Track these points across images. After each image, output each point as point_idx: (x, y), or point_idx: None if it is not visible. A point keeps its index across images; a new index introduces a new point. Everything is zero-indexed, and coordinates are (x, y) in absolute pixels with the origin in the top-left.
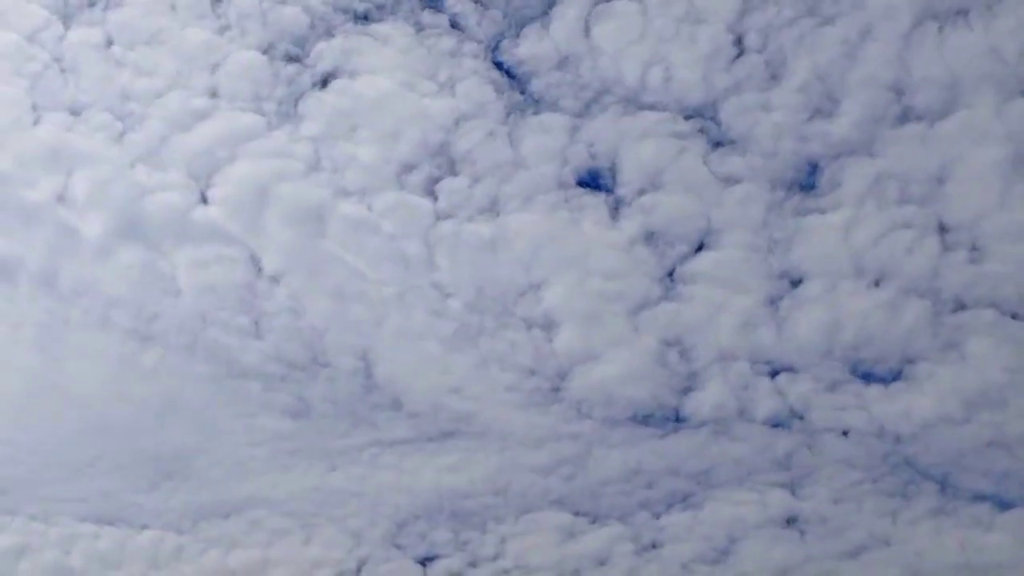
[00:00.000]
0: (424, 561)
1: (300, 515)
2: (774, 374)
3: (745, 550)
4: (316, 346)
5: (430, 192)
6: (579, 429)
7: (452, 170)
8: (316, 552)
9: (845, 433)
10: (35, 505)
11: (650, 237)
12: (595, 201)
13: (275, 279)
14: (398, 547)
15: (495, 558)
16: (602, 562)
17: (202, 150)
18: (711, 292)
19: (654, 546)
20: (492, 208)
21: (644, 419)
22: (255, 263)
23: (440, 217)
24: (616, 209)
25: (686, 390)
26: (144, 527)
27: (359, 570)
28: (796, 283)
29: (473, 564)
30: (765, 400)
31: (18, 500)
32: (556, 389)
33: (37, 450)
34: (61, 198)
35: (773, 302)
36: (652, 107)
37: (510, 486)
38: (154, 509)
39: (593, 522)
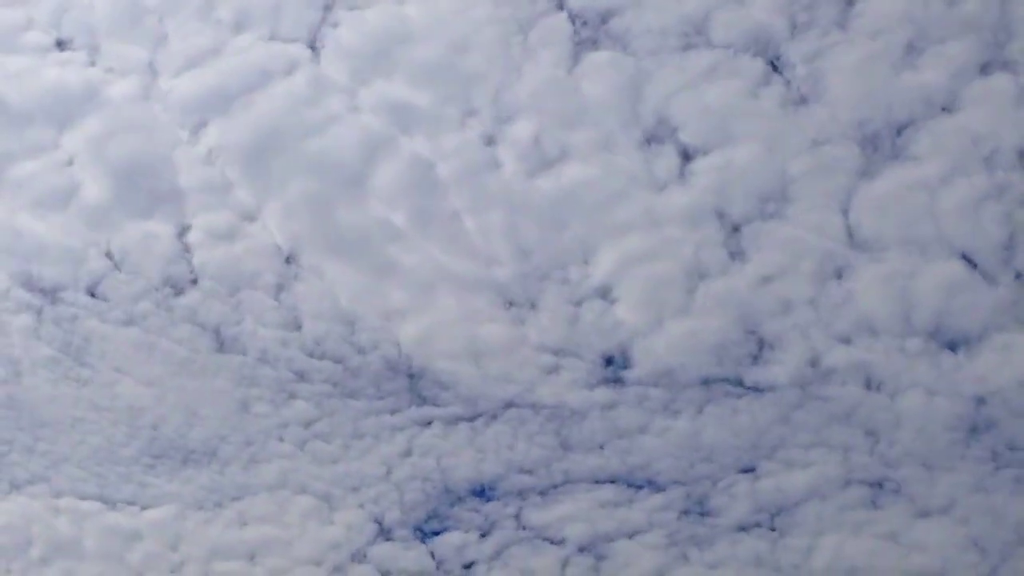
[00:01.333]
0: (443, 540)
1: (325, 496)
2: (847, 340)
3: (805, 517)
4: (350, 321)
5: (482, 141)
6: (638, 400)
7: (504, 118)
8: (337, 533)
9: (922, 398)
10: (47, 484)
11: (718, 195)
12: (660, 155)
13: (300, 253)
14: (420, 530)
15: (530, 536)
16: (648, 529)
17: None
18: (782, 255)
19: (707, 514)
20: (545, 163)
21: (709, 388)
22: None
23: (489, 170)
24: (682, 164)
25: (754, 358)
26: (162, 506)
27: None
28: (871, 248)
29: (503, 545)
30: (836, 367)
31: (31, 478)
32: (612, 360)
33: (55, 432)
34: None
35: (846, 267)
36: (724, 54)
37: (555, 462)
38: (174, 491)
39: (642, 492)
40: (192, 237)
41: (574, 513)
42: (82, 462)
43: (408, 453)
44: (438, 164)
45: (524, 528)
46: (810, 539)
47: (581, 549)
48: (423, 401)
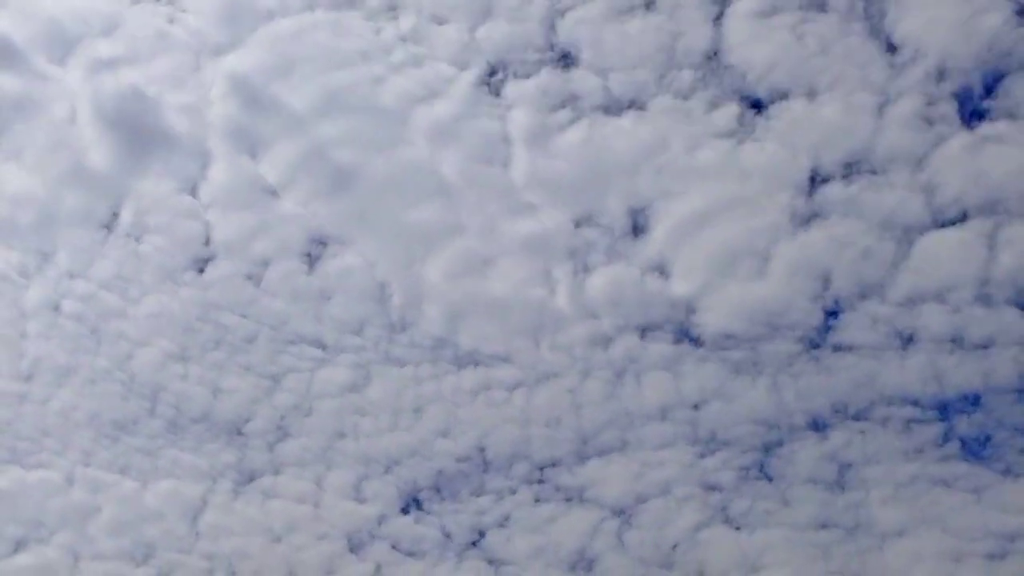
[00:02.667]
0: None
1: (356, 470)
2: (918, 305)
3: (873, 476)
4: (385, 291)
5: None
6: (703, 363)
7: (553, 62)
8: (366, 509)
9: (1009, 360)
10: (68, 457)
11: (789, 153)
12: (725, 105)
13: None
14: (445, 498)
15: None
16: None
17: None
18: (856, 220)
19: (768, 476)
20: (596, 112)
21: (778, 350)
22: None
23: (534, 123)
24: (751, 117)
25: (825, 325)
26: (180, 480)
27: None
28: (949, 214)
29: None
30: (911, 330)
31: (52, 452)
32: (676, 323)
33: (72, 404)
34: None
35: (921, 232)
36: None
37: (606, 428)
38: (197, 465)
39: (703, 456)
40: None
41: (621, 475)
42: (99, 434)
43: (448, 424)
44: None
45: (559, 490)
46: (880, 496)
47: (617, 512)
48: (469, 365)
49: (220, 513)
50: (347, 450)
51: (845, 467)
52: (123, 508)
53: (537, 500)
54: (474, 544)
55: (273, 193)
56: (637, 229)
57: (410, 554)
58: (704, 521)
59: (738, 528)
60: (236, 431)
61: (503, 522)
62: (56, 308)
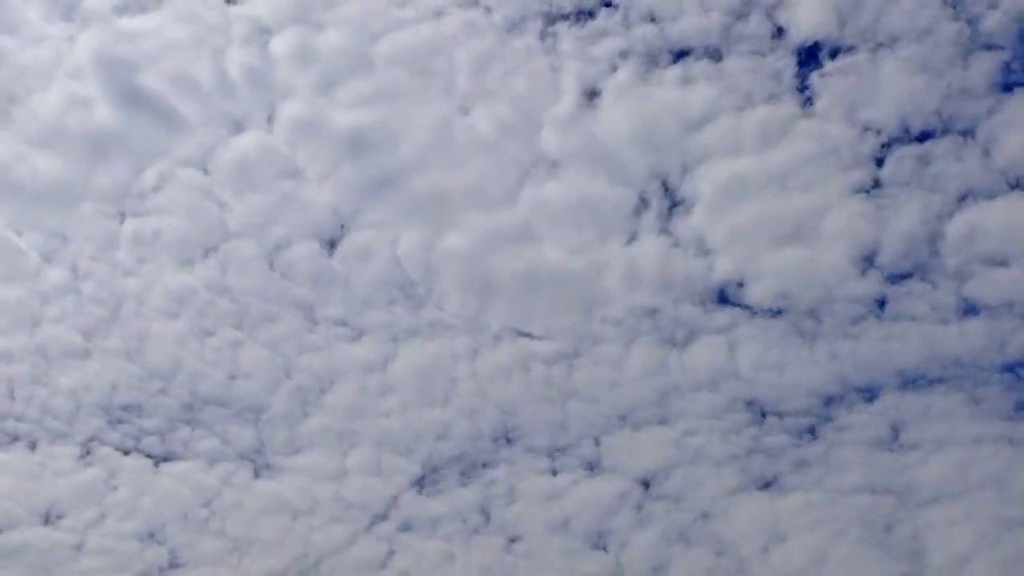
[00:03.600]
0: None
1: (377, 449)
2: (976, 273)
3: (923, 440)
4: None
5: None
6: (755, 332)
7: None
8: (385, 488)
9: None
10: (84, 436)
11: (849, 115)
12: (778, 55)
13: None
14: (467, 475)
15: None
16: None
17: None
18: (915, 187)
19: (815, 442)
20: (646, 70)
21: (831, 320)
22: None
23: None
24: (807, 74)
25: (881, 294)
26: (194, 460)
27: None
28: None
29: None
30: (968, 297)
31: (68, 431)
32: (726, 292)
33: (85, 384)
34: None
35: (979, 198)
36: None
37: (652, 400)
38: (214, 446)
39: (747, 425)
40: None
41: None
42: (115, 415)
43: (476, 401)
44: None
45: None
46: (928, 460)
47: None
48: (503, 340)
49: (236, 493)
50: (368, 429)
51: (895, 432)
52: (138, 487)
53: (557, 473)
54: (492, 519)
55: (293, 170)
56: (686, 195)
57: (429, 532)
58: (736, 488)
59: (772, 494)
60: (255, 412)
61: (523, 497)
62: (75, 290)
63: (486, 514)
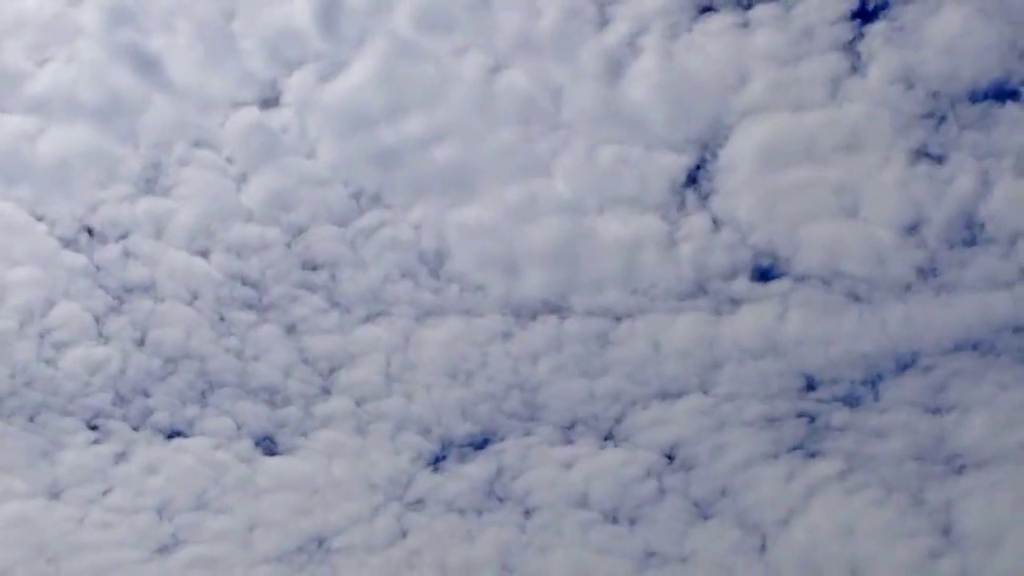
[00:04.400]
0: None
1: (394, 426)
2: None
3: (969, 407)
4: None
5: None
6: (804, 298)
7: None
8: (401, 465)
9: None
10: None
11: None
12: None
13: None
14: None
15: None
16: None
17: None
18: (970, 153)
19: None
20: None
21: (878, 287)
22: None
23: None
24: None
25: (929, 263)
26: (202, 439)
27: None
28: None
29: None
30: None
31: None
32: (771, 261)
33: (99, 370)
34: None
35: None
36: None
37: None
38: (223, 426)
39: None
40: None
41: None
42: (123, 391)
43: (500, 379)
44: None
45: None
46: (973, 426)
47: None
48: (545, 314)
49: (247, 471)
50: (384, 410)
51: (939, 398)
52: (146, 464)
53: (577, 447)
54: (509, 496)
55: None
56: (728, 161)
57: (444, 509)
58: (767, 456)
59: (804, 462)
60: (269, 392)
61: (541, 472)
62: (89, 274)
63: (502, 490)
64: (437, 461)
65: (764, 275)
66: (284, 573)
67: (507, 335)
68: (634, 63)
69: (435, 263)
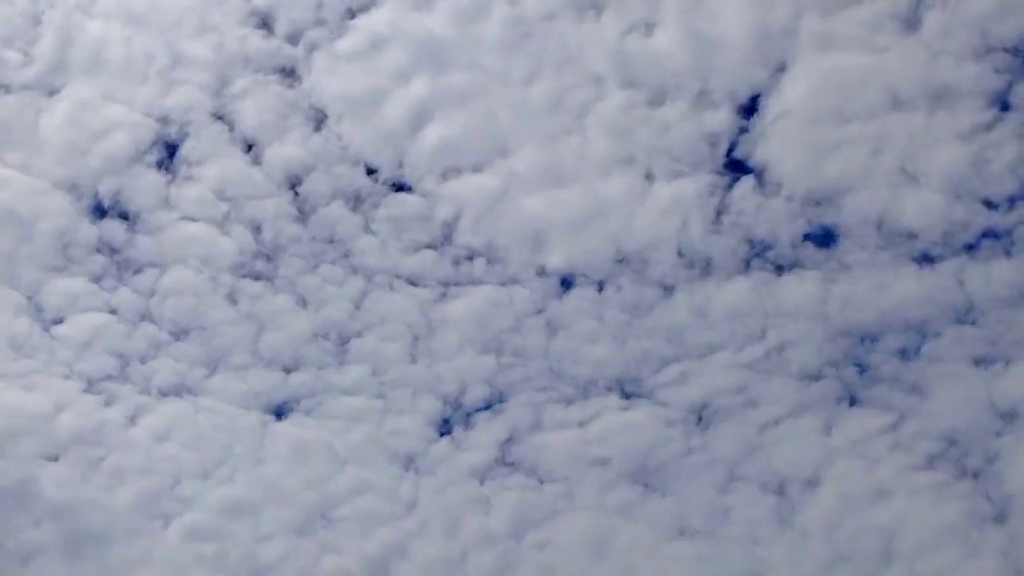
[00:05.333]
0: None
1: (409, 395)
2: None
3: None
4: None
5: None
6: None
7: None
8: (416, 430)
9: None
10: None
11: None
12: None
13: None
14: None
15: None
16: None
17: None
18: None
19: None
20: None
21: (933, 244)
22: None
23: None
24: None
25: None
26: (222, 405)
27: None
28: None
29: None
30: None
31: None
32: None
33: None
34: None
35: None
36: None
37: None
38: (231, 392)
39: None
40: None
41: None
42: (129, 357)
43: (529, 349)
44: None
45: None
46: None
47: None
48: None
49: (257, 437)
50: (401, 378)
51: (989, 354)
52: (151, 429)
53: (603, 409)
54: (526, 460)
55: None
56: (774, 112)
57: (459, 475)
58: (798, 414)
59: (841, 419)
60: (283, 360)
61: (561, 435)
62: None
63: (517, 453)
64: (451, 429)
65: (814, 237)
66: (293, 542)
67: (536, 305)
68: (672, 16)
69: (457, 230)
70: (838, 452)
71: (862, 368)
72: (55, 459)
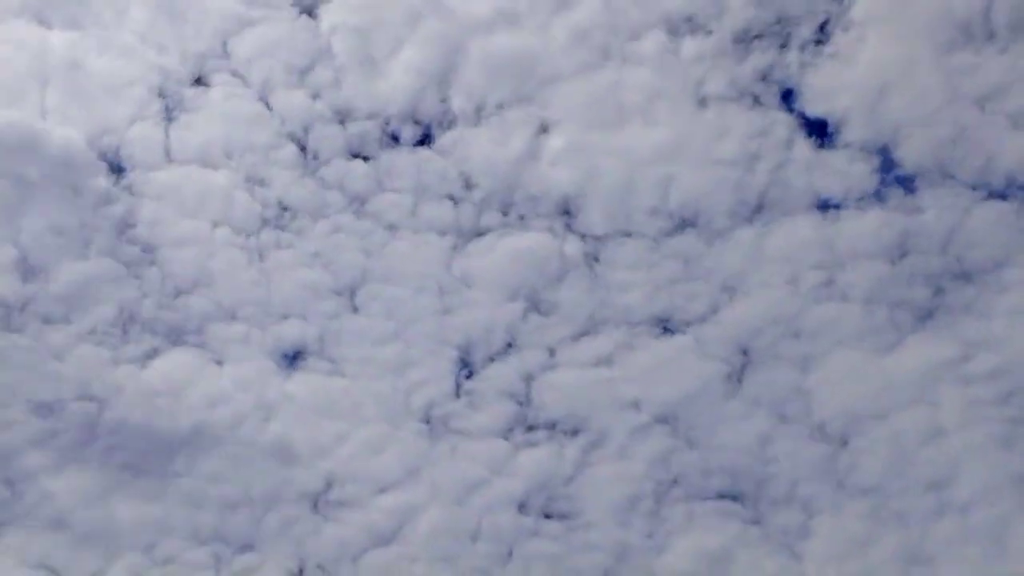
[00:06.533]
0: None
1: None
2: None
3: None
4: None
5: None
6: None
7: None
8: (430, 387)
9: None
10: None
11: None
12: None
13: None
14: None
15: None
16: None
17: None
18: None
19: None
20: None
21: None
22: None
23: None
24: None
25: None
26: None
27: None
28: None
29: None
30: None
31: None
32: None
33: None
34: None
35: None
36: None
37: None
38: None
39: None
40: None
41: None
42: (128, 308)
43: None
44: None
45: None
46: None
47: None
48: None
49: (264, 391)
50: (416, 331)
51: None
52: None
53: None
54: (548, 410)
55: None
56: (834, 39)
57: (477, 434)
58: (854, 348)
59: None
60: (291, 311)
61: (586, 378)
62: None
63: (542, 404)
64: (468, 378)
65: (878, 172)
66: (301, 508)
67: (566, 256)
68: None
69: (476, 181)
70: (892, 392)
71: (924, 299)
72: None
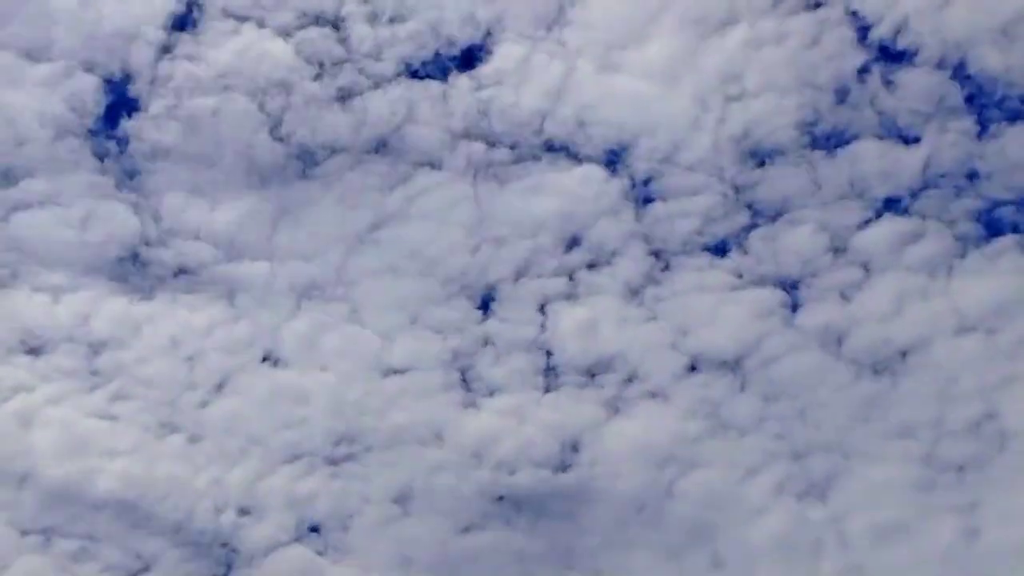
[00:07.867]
0: None
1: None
2: None
3: None
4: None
5: None
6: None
7: None
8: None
9: None
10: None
11: None
12: None
13: None
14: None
15: None
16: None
17: None
18: None
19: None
20: None
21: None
22: None
23: None
24: None
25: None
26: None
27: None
28: None
29: None
30: None
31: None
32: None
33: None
34: None
35: None
36: None
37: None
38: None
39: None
40: None
41: None
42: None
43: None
44: None
45: None
46: None
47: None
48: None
49: (273, 339)
50: (434, 269)
51: None
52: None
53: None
54: (573, 359)
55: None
56: None
57: (496, 389)
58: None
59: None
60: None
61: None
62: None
63: (566, 351)
64: (491, 334)
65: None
66: (314, 469)
67: (599, 190)
68: None
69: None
70: (949, 318)
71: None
72: None
